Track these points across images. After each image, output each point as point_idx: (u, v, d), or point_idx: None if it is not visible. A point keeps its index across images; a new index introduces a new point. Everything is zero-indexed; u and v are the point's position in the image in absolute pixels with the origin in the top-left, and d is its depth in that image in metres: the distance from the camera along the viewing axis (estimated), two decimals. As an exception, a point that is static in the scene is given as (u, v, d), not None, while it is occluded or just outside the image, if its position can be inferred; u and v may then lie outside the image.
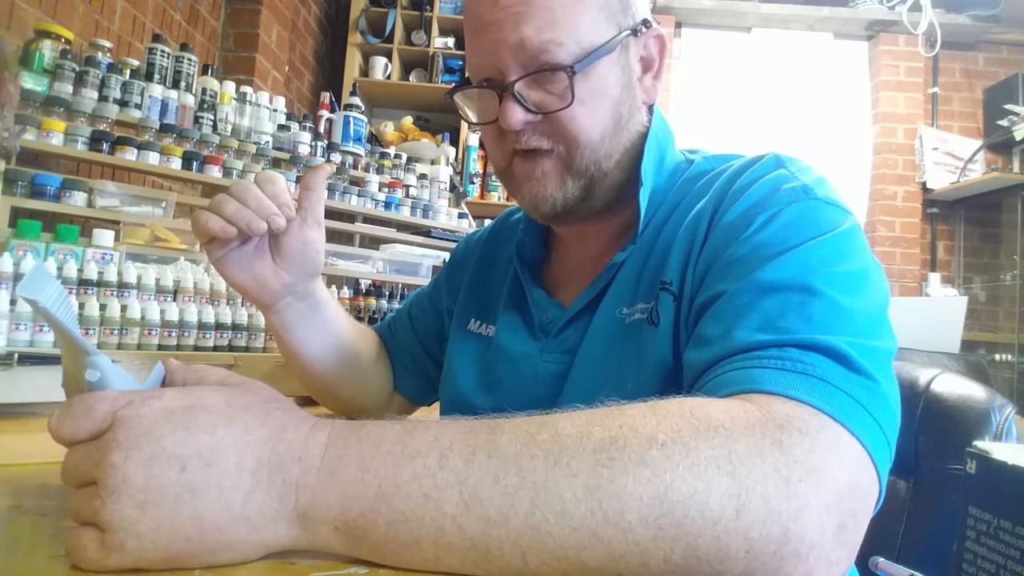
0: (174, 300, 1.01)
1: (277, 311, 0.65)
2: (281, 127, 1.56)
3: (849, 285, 0.44)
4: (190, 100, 1.41)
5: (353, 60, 3.13)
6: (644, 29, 0.57)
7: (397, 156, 1.86)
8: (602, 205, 0.59)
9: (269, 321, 0.66)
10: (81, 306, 0.92)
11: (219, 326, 1.03)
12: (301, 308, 0.66)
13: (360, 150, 1.80)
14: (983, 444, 0.37)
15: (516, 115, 0.53)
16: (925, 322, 1.91)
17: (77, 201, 1.08)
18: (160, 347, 0.97)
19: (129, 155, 1.20)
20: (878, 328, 0.44)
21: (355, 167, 1.70)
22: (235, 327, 1.05)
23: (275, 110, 1.59)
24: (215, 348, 1.02)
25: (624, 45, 0.56)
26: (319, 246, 0.62)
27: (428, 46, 3.11)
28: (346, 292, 1.52)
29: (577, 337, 0.59)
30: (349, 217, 1.62)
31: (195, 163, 1.28)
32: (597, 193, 0.57)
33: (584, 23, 0.53)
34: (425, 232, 1.68)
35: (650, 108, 0.61)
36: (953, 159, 3.34)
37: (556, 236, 0.68)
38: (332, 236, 1.55)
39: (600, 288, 0.59)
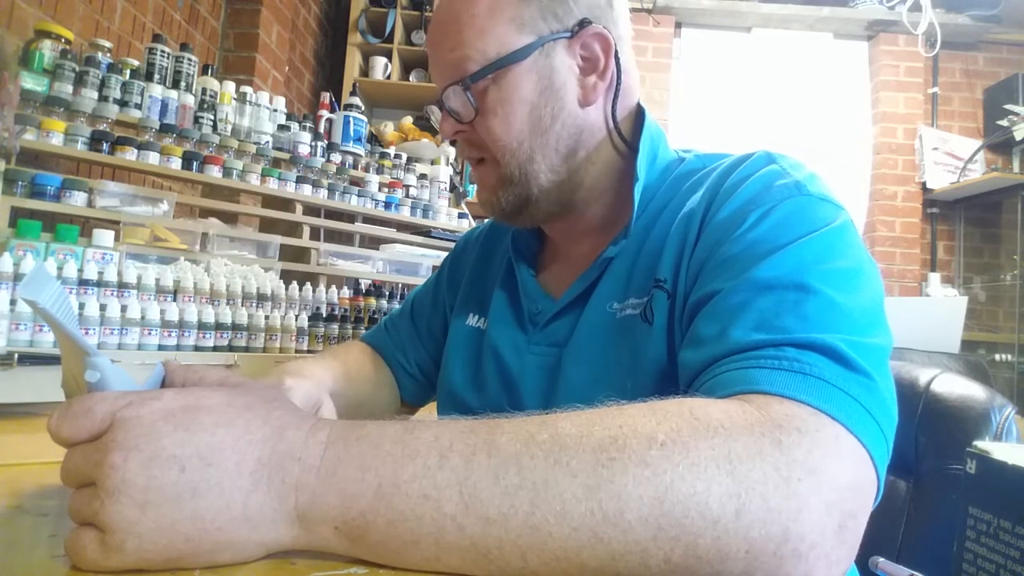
0: (174, 300, 1.01)
1: None
2: (281, 127, 1.56)
3: (844, 282, 0.44)
4: (190, 100, 1.41)
5: (353, 60, 3.13)
6: (581, 29, 0.57)
7: (397, 156, 1.86)
8: (552, 206, 0.61)
9: None
10: (81, 306, 0.92)
11: (219, 326, 1.03)
12: None
13: (360, 150, 1.80)
14: (983, 444, 0.37)
15: (445, 126, 0.60)
16: (925, 322, 1.91)
17: (77, 201, 1.08)
18: (160, 347, 0.97)
19: (129, 155, 1.20)
20: (874, 325, 0.44)
21: (355, 167, 1.70)
22: (235, 327, 1.05)
23: (275, 110, 1.59)
24: (215, 348, 1.02)
25: (545, 51, 0.56)
26: None
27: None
28: (346, 292, 1.52)
29: (566, 330, 0.59)
30: (349, 217, 1.62)
31: (195, 163, 1.28)
32: (536, 196, 0.59)
33: (491, 37, 0.56)
34: (425, 232, 1.68)
35: (615, 107, 0.60)
36: (953, 159, 3.34)
37: (546, 231, 0.69)
38: (332, 236, 1.55)
39: (590, 282, 0.59)
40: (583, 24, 0.57)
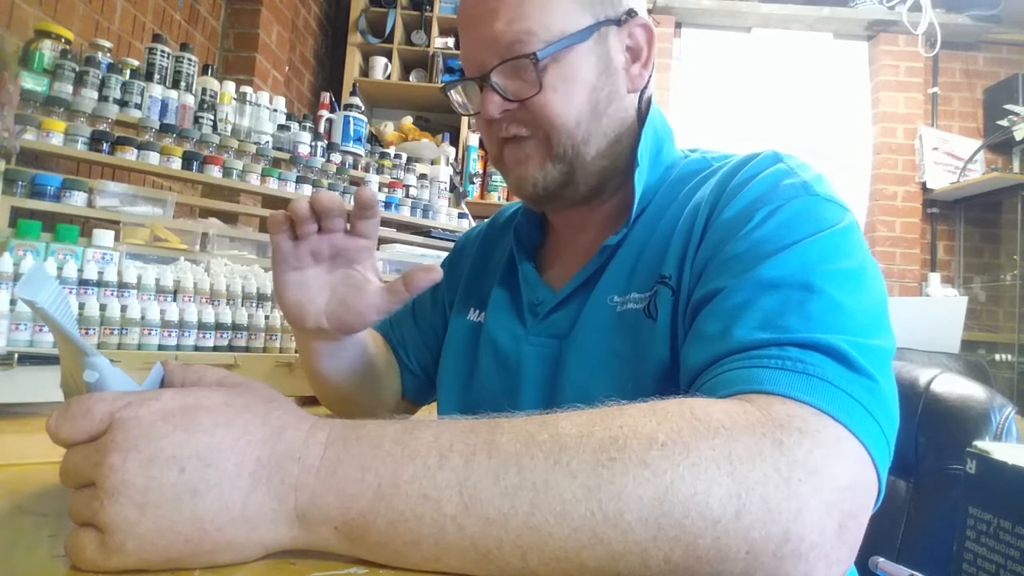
0: (174, 300, 1.01)
1: (308, 340, 0.64)
2: (281, 127, 1.55)
3: (848, 283, 0.44)
4: (190, 100, 1.41)
5: (353, 60, 3.13)
6: (629, 19, 0.59)
7: (397, 156, 1.86)
8: (586, 190, 0.60)
9: (298, 338, 0.65)
10: (81, 306, 0.92)
11: (219, 326, 1.03)
12: (331, 344, 0.64)
13: (360, 150, 1.80)
14: (983, 444, 0.37)
15: (493, 103, 0.57)
16: (925, 322, 1.91)
17: (77, 201, 1.08)
18: (160, 347, 0.97)
19: (129, 155, 1.19)
20: (877, 326, 0.44)
21: (355, 167, 1.70)
22: (235, 327, 1.05)
23: (275, 110, 1.59)
24: (215, 348, 1.02)
25: (602, 34, 0.57)
26: (370, 313, 0.58)
27: (428, 46, 3.11)
28: (346, 292, 1.52)
29: (566, 322, 0.59)
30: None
31: (195, 163, 1.28)
32: (579, 177, 0.59)
33: (555, 13, 0.55)
34: (425, 232, 1.68)
35: (642, 97, 0.62)
36: (953, 159, 3.34)
37: (552, 223, 0.69)
38: (332, 236, 1.55)
39: (591, 272, 0.59)
40: (631, 14, 0.59)
